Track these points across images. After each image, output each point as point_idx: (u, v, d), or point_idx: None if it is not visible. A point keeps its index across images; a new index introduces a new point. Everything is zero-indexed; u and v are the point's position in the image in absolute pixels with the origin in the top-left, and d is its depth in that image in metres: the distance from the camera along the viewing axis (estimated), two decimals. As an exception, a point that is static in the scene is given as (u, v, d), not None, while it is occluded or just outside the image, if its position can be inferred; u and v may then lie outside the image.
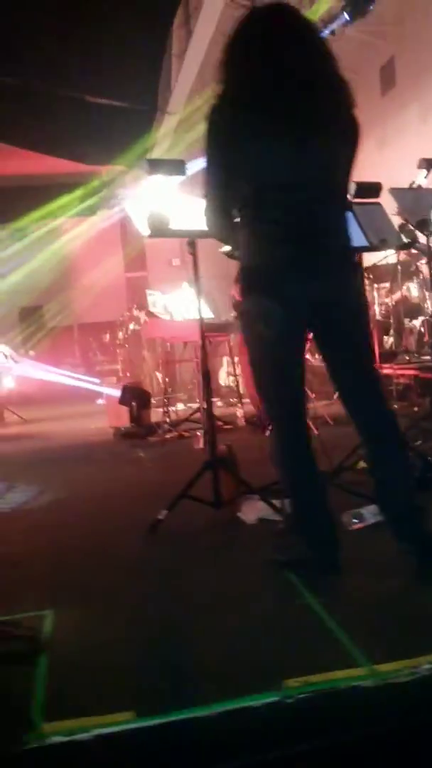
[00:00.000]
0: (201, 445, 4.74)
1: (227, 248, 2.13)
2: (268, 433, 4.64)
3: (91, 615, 1.96)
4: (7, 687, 1.52)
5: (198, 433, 4.84)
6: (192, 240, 2.67)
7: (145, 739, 1.37)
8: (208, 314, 5.45)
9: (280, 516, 2.63)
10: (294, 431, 1.98)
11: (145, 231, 2.56)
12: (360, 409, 1.99)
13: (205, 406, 3.58)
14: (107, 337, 9.24)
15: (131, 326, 8.41)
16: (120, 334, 8.85)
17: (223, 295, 5.90)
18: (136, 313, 8.63)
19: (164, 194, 2.67)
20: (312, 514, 2.00)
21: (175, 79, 9.40)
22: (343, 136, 1.90)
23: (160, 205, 2.57)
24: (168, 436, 5.27)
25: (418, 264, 5.53)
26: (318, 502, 1.99)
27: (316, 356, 5.55)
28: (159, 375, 7.82)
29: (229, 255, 2.12)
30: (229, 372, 7.58)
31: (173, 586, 2.15)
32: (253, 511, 2.75)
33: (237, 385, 6.04)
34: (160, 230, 2.54)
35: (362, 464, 3.18)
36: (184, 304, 5.39)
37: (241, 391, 5.89)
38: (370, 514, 2.52)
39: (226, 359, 7.52)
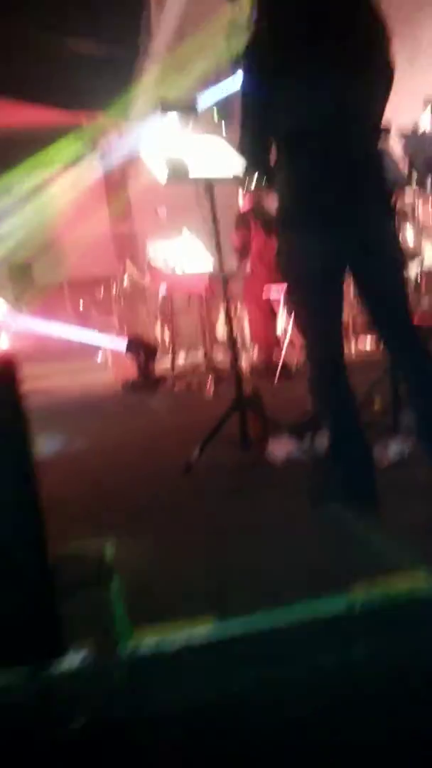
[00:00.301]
0: (212, 393, 4.85)
1: (257, 181, 2.16)
2: (276, 380, 4.74)
3: (146, 544, 2.09)
4: (91, 606, 1.64)
5: (208, 383, 4.94)
6: (209, 185, 2.70)
7: (227, 641, 1.50)
8: (208, 263, 5.47)
9: (308, 453, 2.76)
10: (332, 364, 2.08)
11: (161, 178, 2.58)
12: (397, 350, 2.10)
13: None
14: (101, 292, 9.19)
15: (125, 281, 8.38)
16: (114, 290, 8.82)
17: (225, 243, 5.90)
18: (128, 266, 8.59)
19: (178, 136, 2.69)
20: (349, 444, 2.11)
21: (156, 26, 9.12)
22: (377, 80, 1.94)
23: (176, 150, 2.59)
24: (176, 386, 5.36)
25: (416, 208, 5.57)
26: (355, 432, 2.10)
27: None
28: (158, 329, 7.85)
29: (260, 186, 2.15)
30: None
31: (216, 517, 2.28)
32: (281, 449, 2.87)
33: (239, 336, 6.11)
34: (177, 176, 2.56)
35: (378, 405, 3.31)
36: (185, 256, 5.40)
37: (246, 341, 5.96)
38: (395, 449, 2.65)
39: (223, 310, 7.55)
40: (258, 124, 1.97)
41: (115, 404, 5.11)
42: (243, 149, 2.05)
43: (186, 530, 2.20)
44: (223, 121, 6.52)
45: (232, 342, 2.97)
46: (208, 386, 4.91)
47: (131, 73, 7.88)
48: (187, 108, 2.60)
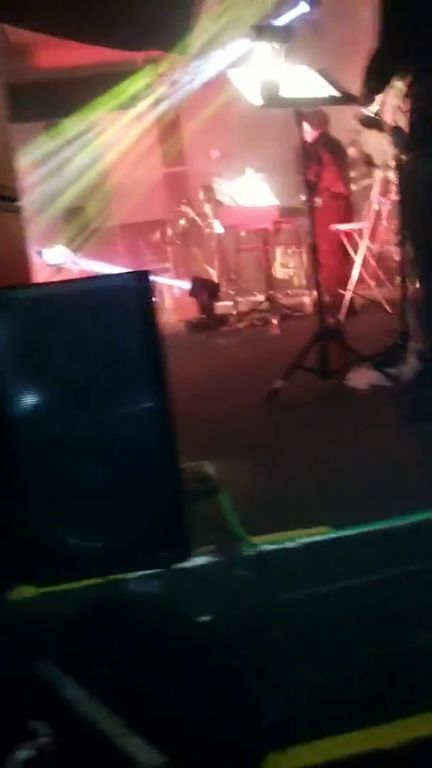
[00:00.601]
0: (278, 330, 4.87)
1: (367, 114, 2.16)
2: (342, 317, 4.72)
3: (244, 466, 2.16)
4: (207, 515, 1.73)
5: (274, 320, 4.95)
6: (303, 109, 2.67)
7: (341, 546, 1.57)
8: (273, 200, 5.41)
9: (394, 380, 2.78)
10: None
11: (257, 100, 2.55)
12: None
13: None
14: (157, 235, 9.19)
15: (181, 222, 8.35)
16: (169, 232, 8.80)
17: (286, 181, 5.80)
18: (184, 209, 8.54)
19: (271, 62, 2.64)
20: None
21: None
22: None
23: (271, 74, 2.54)
24: (240, 325, 5.39)
25: None
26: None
27: (374, 245, 5.55)
28: (211, 270, 7.83)
29: (366, 123, 2.15)
30: (282, 263, 7.55)
31: (306, 442, 2.34)
32: (363, 379, 2.89)
33: (308, 275, 6.06)
34: (272, 98, 2.53)
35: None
36: (249, 191, 5.35)
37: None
38: None
39: (279, 251, 7.46)
40: (390, 54, 1.97)
41: (182, 342, 5.18)
42: (371, 73, 2.05)
43: (279, 451, 2.27)
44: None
45: (316, 272, 2.97)
46: (273, 323, 4.93)
47: (191, 9, 7.62)
48: (280, 36, 2.54)
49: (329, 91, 2.70)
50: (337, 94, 2.69)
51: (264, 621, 1.42)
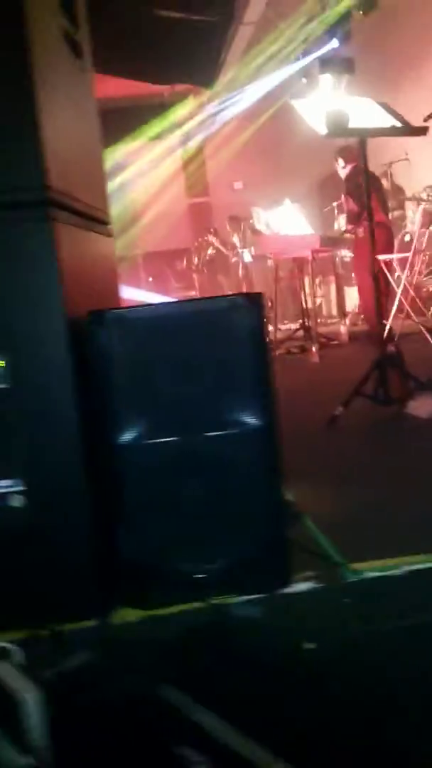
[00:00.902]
0: (317, 359, 4.86)
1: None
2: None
3: (315, 491, 2.14)
4: (300, 540, 1.70)
5: (312, 349, 4.95)
6: (363, 140, 2.71)
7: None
8: (308, 229, 5.46)
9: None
10: None
11: (322, 129, 2.59)
12: None
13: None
14: (183, 263, 9.30)
15: (209, 251, 8.44)
16: (195, 260, 8.91)
17: (310, 212, 5.85)
18: (211, 238, 8.65)
19: (334, 93, 2.69)
20: None
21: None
22: None
23: (337, 104, 2.59)
24: (276, 352, 5.39)
25: None
26: None
27: (409, 273, 5.57)
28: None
29: None
30: (310, 293, 7.57)
31: (371, 469, 2.31)
32: (424, 406, 2.87)
33: (340, 303, 6.08)
34: (338, 128, 2.57)
35: None
36: (287, 220, 5.40)
37: (350, 309, 5.92)
38: None
39: (307, 279, 7.49)
40: None
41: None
42: None
43: (347, 478, 2.25)
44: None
45: (379, 306, 2.98)
46: (312, 351, 4.93)
47: (223, 43, 7.78)
48: (343, 68, 2.59)
49: (391, 121, 2.74)
50: (398, 124, 2.73)
51: (371, 649, 1.39)
